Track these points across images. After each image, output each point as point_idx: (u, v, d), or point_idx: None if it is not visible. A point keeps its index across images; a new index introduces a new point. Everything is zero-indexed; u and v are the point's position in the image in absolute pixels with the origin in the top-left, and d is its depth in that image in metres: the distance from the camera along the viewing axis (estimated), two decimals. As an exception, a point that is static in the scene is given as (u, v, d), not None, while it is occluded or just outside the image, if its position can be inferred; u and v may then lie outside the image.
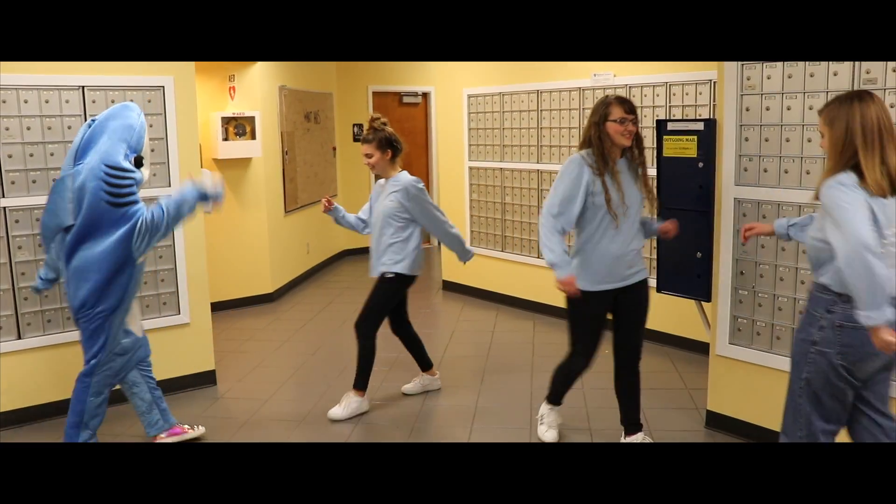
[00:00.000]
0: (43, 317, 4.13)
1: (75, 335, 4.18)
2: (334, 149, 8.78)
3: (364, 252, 9.07)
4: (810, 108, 3.32)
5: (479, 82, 6.55)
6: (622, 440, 3.63)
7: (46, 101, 4.05)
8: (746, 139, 3.56)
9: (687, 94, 4.94)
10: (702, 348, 4.62)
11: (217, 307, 5.80)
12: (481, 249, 6.73)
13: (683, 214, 3.84)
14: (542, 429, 3.80)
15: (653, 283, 4.29)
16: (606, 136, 3.30)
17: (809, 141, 3.34)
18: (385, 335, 4.32)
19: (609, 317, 3.52)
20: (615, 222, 3.31)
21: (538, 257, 6.16)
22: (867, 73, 3.10)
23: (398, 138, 4.17)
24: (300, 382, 4.81)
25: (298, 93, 7.57)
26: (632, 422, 3.62)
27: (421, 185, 4.15)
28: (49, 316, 4.15)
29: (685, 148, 3.82)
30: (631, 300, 3.47)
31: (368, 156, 4.11)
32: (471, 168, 6.75)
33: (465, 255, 4.41)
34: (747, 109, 3.55)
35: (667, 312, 5.09)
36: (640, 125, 3.38)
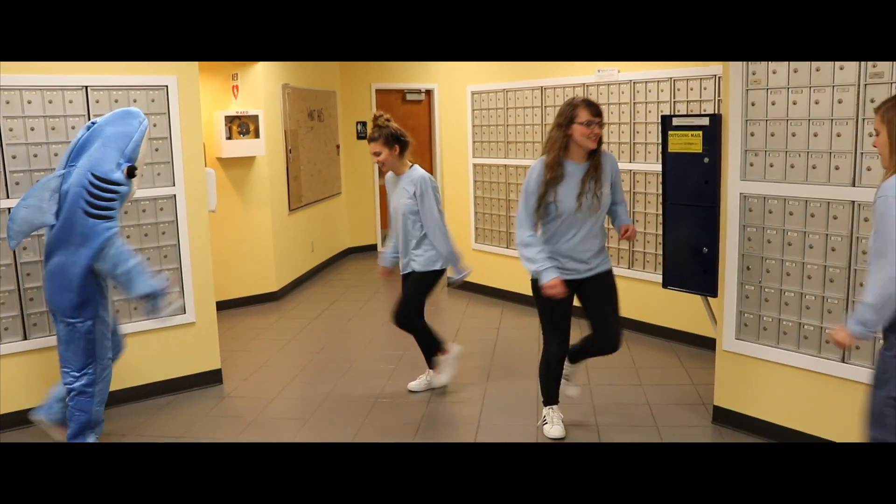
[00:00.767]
0: (48, 317, 4.13)
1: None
2: (338, 147, 8.77)
3: (368, 249, 9.12)
4: (816, 103, 3.30)
5: (483, 79, 6.54)
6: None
7: (50, 102, 4.05)
8: (752, 134, 3.54)
9: (692, 89, 4.92)
10: (708, 344, 4.61)
11: (222, 306, 5.80)
12: (486, 246, 6.72)
13: (689, 210, 3.84)
14: (546, 427, 3.79)
15: (659, 278, 4.30)
16: (570, 138, 3.38)
17: (816, 136, 3.32)
18: (393, 332, 4.31)
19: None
20: (567, 223, 3.45)
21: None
22: (874, 67, 3.09)
23: (404, 132, 4.16)
24: (306, 381, 4.81)
25: (302, 91, 7.57)
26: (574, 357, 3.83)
27: (434, 182, 4.15)
28: (55, 316, 4.15)
29: (690, 143, 3.81)
30: (593, 283, 3.58)
31: (377, 154, 4.09)
32: (475, 165, 6.74)
33: (458, 272, 4.32)
34: (753, 104, 3.53)
35: (673, 308, 5.08)
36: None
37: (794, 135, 3.39)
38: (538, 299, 3.57)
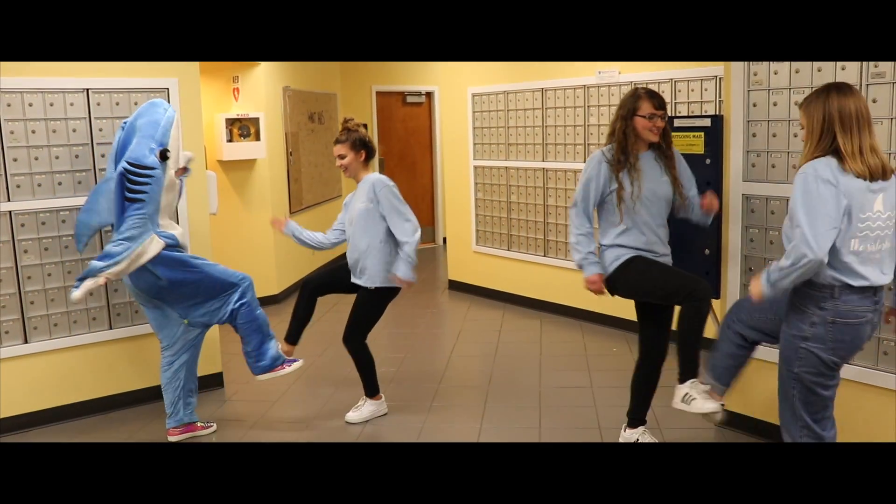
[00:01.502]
0: (49, 321, 4.13)
1: (81, 339, 4.21)
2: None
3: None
4: (818, 103, 3.29)
5: (484, 81, 6.54)
6: (623, 433, 3.59)
7: (51, 104, 4.04)
8: (754, 135, 3.54)
9: (693, 90, 4.92)
10: (711, 345, 4.59)
11: (223, 309, 5.78)
12: (487, 249, 6.72)
13: (691, 211, 3.82)
14: (697, 403, 3.16)
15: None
16: (633, 130, 3.27)
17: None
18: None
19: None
20: (629, 217, 3.28)
21: (544, 255, 6.15)
22: (875, 67, 3.08)
23: (372, 140, 4.08)
24: (307, 384, 4.80)
25: (302, 94, 7.57)
26: (637, 417, 3.57)
27: (391, 183, 3.98)
28: (55, 320, 4.14)
29: (692, 144, 3.80)
30: None
31: (341, 157, 4.00)
32: (476, 167, 6.74)
33: (404, 272, 3.93)
34: (754, 105, 3.52)
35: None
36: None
37: (796, 135, 3.38)
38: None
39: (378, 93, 9.18)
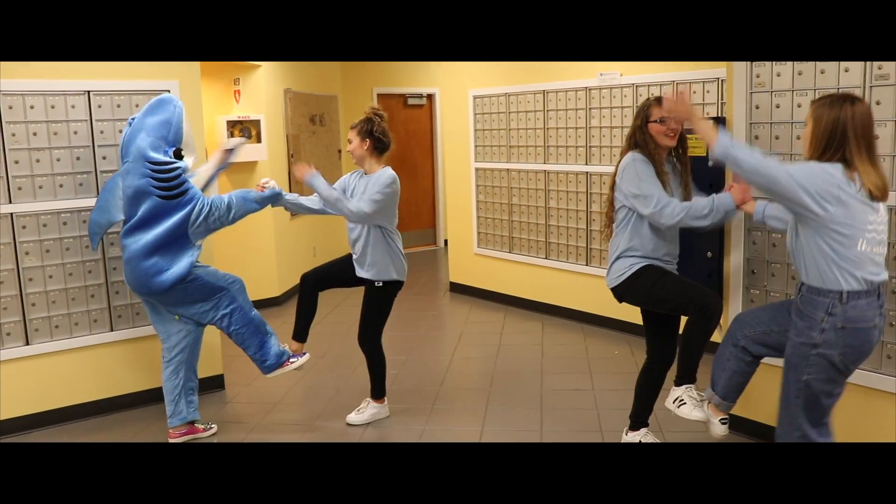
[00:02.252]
0: (50, 323, 4.12)
1: (82, 341, 4.20)
2: (340, 151, 8.77)
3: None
4: (821, 105, 3.28)
5: (485, 83, 6.53)
6: (626, 436, 3.58)
7: (52, 107, 4.04)
8: (757, 137, 3.53)
9: (695, 92, 4.91)
10: (713, 347, 4.58)
11: (224, 311, 5.78)
12: (489, 251, 6.71)
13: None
14: (685, 409, 3.24)
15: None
16: (650, 137, 3.26)
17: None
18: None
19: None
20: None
21: (546, 258, 6.14)
22: (879, 68, 3.07)
23: (386, 134, 4.02)
24: (309, 386, 4.79)
25: (303, 95, 7.56)
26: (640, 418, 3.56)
27: (392, 180, 3.90)
28: (57, 322, 4.14)
29: (694, 147, 3.79)
30: None
31: (350, 141, 4.01)
32: (477, 169, 6.73)
33: (273, 200, 4.03)
34: (757, 107, 3.51)
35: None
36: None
37: (799, 138, 3.38)
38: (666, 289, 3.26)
39: (379, 95, 9.18)
